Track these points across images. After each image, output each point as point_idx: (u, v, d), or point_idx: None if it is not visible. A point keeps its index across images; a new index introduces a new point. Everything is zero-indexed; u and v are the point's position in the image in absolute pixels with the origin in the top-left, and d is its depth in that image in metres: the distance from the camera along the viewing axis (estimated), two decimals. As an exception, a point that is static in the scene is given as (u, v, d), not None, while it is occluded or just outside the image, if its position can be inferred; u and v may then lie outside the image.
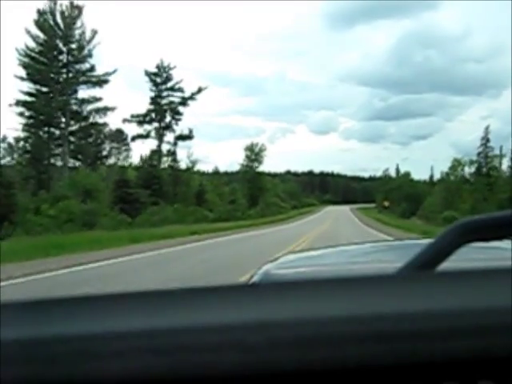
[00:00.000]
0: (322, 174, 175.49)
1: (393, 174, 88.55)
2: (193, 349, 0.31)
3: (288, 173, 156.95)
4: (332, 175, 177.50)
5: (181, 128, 49.33)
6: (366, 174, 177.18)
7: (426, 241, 0.95)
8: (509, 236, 0.61)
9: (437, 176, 75.16)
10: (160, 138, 49.39)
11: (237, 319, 0.32)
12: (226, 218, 36.86)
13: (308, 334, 0.31)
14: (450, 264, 0.57)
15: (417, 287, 0.35)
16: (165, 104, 50.54)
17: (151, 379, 0.31)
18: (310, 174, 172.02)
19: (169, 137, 49.79)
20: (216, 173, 49.96)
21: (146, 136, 50.12)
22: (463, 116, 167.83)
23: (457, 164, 51.45)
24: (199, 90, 51.40)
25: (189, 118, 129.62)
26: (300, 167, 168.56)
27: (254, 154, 62.02)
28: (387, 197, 70.89)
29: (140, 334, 0.32)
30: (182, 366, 0.31)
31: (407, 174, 79.55)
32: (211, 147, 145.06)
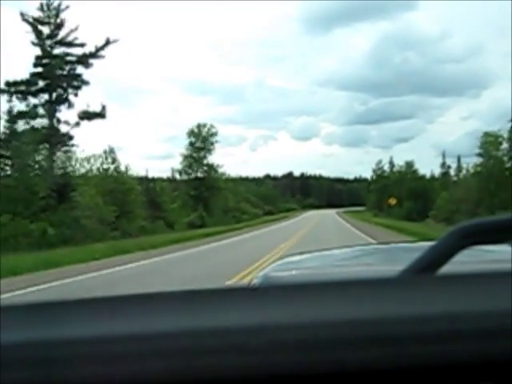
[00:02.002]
0: (304, 177, 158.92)
1: (386, 167, 71.55)
2: (193, 352, 0.31)
3: (267, 177, 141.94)
4: (314, 177, 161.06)
5: (86, 102, 31.55)
6: (350, 176, 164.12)
7: (424, 244, 0.98)
8: (510, 239, 0.62)
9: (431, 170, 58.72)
10: (51, 115, 31.67)
11: (238, 322, 0.32)
12: (69, 236, 18.94)
13: (309, 337, 0.31)
14: (450, 267, 0.58)
15: (418, 290, 0.35)
16: (56, 64, 32.82)
17: (152, 382, 0.31)
18: (290, 176, 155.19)
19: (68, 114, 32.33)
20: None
21: (33, 115, 32.38)
22: (444, 117, 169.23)
23: (492, 139, 34.16)
24: (107, 43, 33.79)
25: (167, 128, 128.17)
26: (280, 171, 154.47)
27: (201, 138, 44.62)
28: (393, 194, 53.64)
29: (140, 336, 0.32)
30: (183, 369, 0.31)
31: (410, 165, 62.17)
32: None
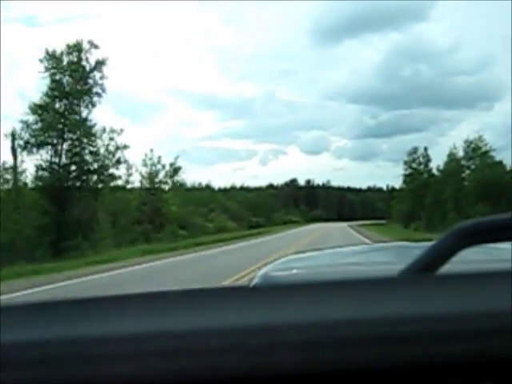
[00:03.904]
0: (310, 186, 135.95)
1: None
2: (193, 351, 0.31)
3: (271, 186, 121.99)
4: (323, 187, 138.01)
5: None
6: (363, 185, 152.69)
7: (425, 244, 1.06)
8: (509, 239, 0.62)
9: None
10: None
11: (237, 322, 0.32)
12: None
13: (309, 337, 0.31)
14: (450, 266, 0.58)
15: (418, 290, 0.35)
16: None
17: (152, 382, 0.31)
18: (293, 184, 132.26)
19: None
20: None
21: None
22: (455, 131, 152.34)
23: None
24: None
25: (176, 142, 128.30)
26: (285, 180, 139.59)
27: (72, 68, 21.57)
28: (441, 195, 30.56)
29: (140, 336, 0.31)
30: (183, 369, 0.31)
31: (475, 146, 37.90)
32: (202, 171, 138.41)
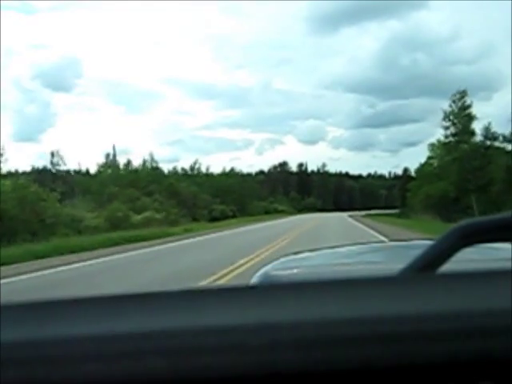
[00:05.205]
0: (303, 171, 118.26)
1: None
2: (193, 351, 0.31)
3: (261, 173, 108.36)
4: (318, 173, 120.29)
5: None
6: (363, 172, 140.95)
7: (424, 242, 1.00)
8: (509, 238, 0.62)
9: None
10: None
11: (237, 321, 0.32)
12: None
13: (309, 336, 0.31)
14: (450, 265, 0.57)
15: (418, 289, 0.35)
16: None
17: (151, 381, 0.31)
18: (283, 169, 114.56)
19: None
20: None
21: None
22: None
23: None
24: None
25: (173, 132, 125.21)
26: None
27: None
28: None
29: (140, 335, 0.32)
30: (182, 367, 0.31)
31: None
32: (199, 161, 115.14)
